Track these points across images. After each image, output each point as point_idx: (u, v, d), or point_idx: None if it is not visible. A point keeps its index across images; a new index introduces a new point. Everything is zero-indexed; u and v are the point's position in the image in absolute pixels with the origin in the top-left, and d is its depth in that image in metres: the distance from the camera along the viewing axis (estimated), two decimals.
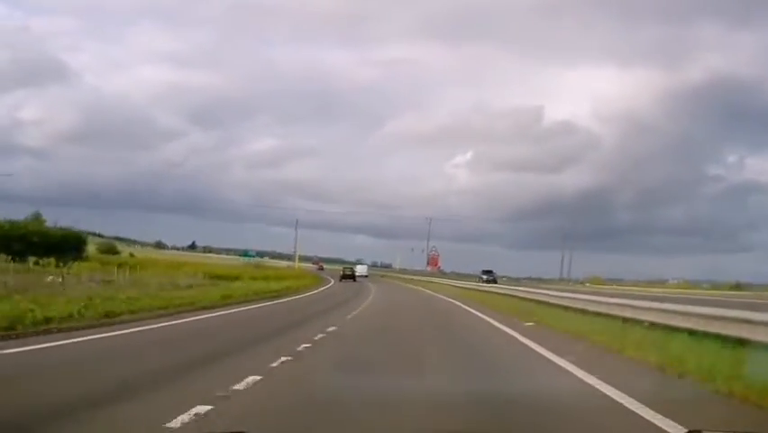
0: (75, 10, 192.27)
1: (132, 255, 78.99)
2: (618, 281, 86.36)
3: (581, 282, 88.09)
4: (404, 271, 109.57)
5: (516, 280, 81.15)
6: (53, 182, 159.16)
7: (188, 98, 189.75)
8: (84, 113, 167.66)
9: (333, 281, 62.92)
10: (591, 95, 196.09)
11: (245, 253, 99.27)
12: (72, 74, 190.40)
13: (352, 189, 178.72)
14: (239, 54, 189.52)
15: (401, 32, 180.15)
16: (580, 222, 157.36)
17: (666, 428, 6.10)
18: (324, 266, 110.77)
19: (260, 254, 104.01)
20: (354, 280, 72.27)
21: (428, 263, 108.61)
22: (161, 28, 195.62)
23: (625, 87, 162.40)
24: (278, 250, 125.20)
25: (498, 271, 75.25)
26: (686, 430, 5.30)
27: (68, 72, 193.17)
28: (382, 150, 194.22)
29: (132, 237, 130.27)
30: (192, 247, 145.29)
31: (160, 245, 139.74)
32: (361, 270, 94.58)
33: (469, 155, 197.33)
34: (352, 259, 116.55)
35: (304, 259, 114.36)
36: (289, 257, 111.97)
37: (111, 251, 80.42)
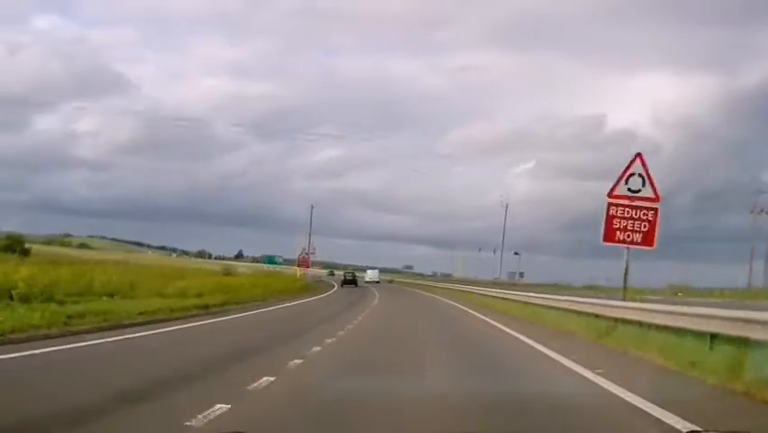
0: (135, 21, 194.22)
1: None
2: (708, 291, 62.53)
3: (674, 293, 59.19)
4: (465, 280, 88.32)
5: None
6: (110, 193, 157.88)
7: (249, 108, 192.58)
8: (141, 124, 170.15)
9: (330, 290, 52.17)
10: (651, 101, 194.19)
11: (270, 260, 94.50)
12: (130, 85, 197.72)
13: (412, 199, 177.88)
14: (301, 63, 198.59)
15: (467, 40, 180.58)
16: None
17: None
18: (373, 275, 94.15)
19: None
20: (356, 286, 67.11)
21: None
22: (223, 38, 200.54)
23: (684, 94, 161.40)
24: (342, 261, 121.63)
25: (554, 281, 67.64)
26: (686, 430, 5.74)
27: (125, 83, 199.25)
28: (444, 159, 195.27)
29: (184, 247, 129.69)
30: (239, 256, 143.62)
31: (201, 254, 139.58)
32: (371, 275, 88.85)
33: (531, 164, 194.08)
34: (410, 269, 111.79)
35: (357, 268, 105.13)
36: (348, 267, 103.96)
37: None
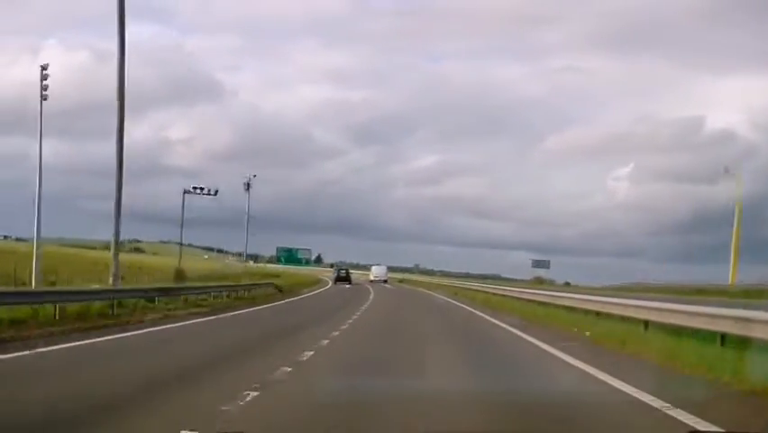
0: (233, 28, 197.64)
1: None
2: None
3: None
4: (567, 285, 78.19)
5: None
6: (207, 201, 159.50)
7: (348, 115, 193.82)
8: (237, 131, 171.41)
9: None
10: (750, 102, 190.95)
11: (290, 257, 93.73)
12: (226, 92, 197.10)
13: (511, 206, 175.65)
14: (401, 68, 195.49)
15: (568, 41, 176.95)
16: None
17: None
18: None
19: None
20: (350, 283, 65.45)
21: None
22: (324, 44, 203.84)
23: None
24: (438, 267, 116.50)
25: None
26: (687, 431, 6.04)
27: (222, 90, 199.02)
28: (544, 165, 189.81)
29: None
30: (318, 261, 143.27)
31: (252, 257, 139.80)
32: (378, 272, 79.13)
33: (629, 168, 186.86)
34: (509, 275, 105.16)
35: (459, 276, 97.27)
36: (447, 273, 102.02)
37: None
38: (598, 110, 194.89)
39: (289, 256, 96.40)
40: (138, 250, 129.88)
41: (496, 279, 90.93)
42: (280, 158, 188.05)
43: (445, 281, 68.15)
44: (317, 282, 61.63)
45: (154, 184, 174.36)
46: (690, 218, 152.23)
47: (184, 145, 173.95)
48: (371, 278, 75.78)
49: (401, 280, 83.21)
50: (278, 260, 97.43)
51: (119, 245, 25.05)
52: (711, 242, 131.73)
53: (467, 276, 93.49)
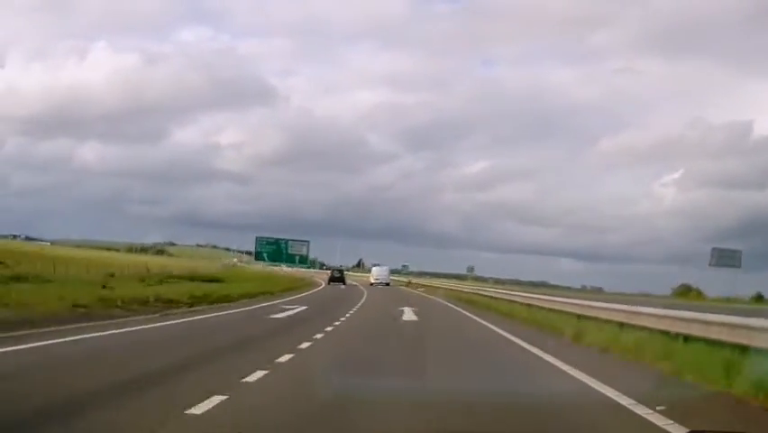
0: (286, 31, 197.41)
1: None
2: None
3: None
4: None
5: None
6: (255, 206, 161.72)
7: (401, 119, 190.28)
8: (289, 136, 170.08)
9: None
10: None
11: (272, 256, 79.78)
12: (279, 96, 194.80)
13: (560, 212, 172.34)
14: (455, 72, 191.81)
15: (622, 44, 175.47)
16: None
17: None
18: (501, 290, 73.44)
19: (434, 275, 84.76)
20: (344, 284, 63.44)
21: None
22: (379, 48, 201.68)
23: None
24: (484, 273, 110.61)
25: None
26: (687, 431, 5.72)
27: (275, 94, 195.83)
28: (593, 171, 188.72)
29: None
30: (357, 266, 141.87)
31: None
32: (379, 274, 71.95)
33: (678, 173, 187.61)
34: (557, 282, 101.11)
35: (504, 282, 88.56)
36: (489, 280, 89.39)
37: None
38: (649, 114, 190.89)
39: (275, 252, 78.06)
40: (162, 252, 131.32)
41: (545, 286, 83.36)
42: (331, 162, 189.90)
43: (487, 288, 45.54)
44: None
45: (202, 188, 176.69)
46: (738, 225, 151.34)
47: (234, 150, 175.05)
48: (371, 280, 69.53)
49: (408, 284, 71.67)
50: (257, 257, 79.05)
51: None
52: (763, 248, 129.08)
53: (517, 283, 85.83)
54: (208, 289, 29.24)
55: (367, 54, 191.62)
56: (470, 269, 74.36)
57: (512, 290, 37.83)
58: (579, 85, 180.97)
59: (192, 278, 39.68)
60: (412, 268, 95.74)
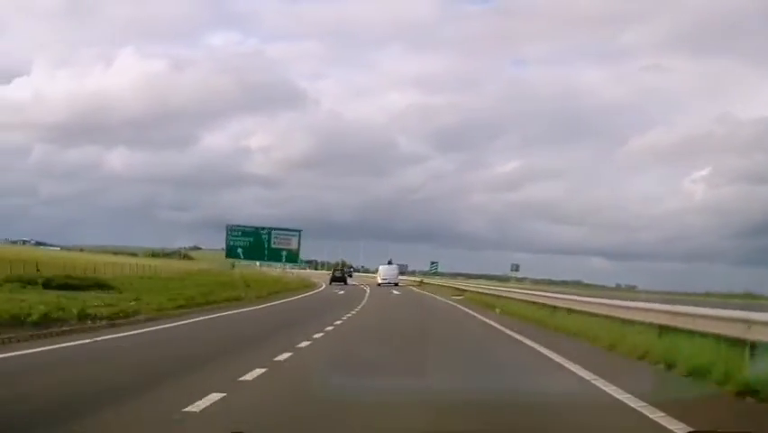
0: (316, 35, 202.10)
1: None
2: None
3: None
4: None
5: None
6: (284, 210, 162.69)
7: (431, 121, 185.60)
8: (319, 139, 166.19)
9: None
10: None
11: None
12: (309, 99, 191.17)
13: (590, 211, 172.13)
14: (484, 73, 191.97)
15: (649, 44, 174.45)
16: None
17: None
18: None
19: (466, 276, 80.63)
20: (346, 284, 61.77)
21: None
22: (409, 50, 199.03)
23: None
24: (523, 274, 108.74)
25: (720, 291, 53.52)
26: (687, 431, 5.79)
27: (304, 98, 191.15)
28: (623, 169, 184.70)
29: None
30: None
31: (310, 263, 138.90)
32: (386, 274, 66.19)
33: (706, 171, 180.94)
34: (590, 280, 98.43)
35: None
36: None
37: None
38: (677, 111, 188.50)
39: (254, 247, 59.75)
40: (186, 257, 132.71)
41: (578, 285, 72.79)
42: (361, 165, 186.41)
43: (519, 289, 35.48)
44: None
45: (230, 193, 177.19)
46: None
47: (263, 153, 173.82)
48: (378, 281, 64.36)
49: (420, 283, 65.46)
50: (229, 253, 60.20)
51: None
52: None
53: (550, 282, 78.54)
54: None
55: (396, 56, 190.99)
56: (515, 267, 61.41)
57: (560, 292, 28.43)
58: (608, 84, 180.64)
59: (67, 284, 26.98)
60: (443, 269, 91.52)
